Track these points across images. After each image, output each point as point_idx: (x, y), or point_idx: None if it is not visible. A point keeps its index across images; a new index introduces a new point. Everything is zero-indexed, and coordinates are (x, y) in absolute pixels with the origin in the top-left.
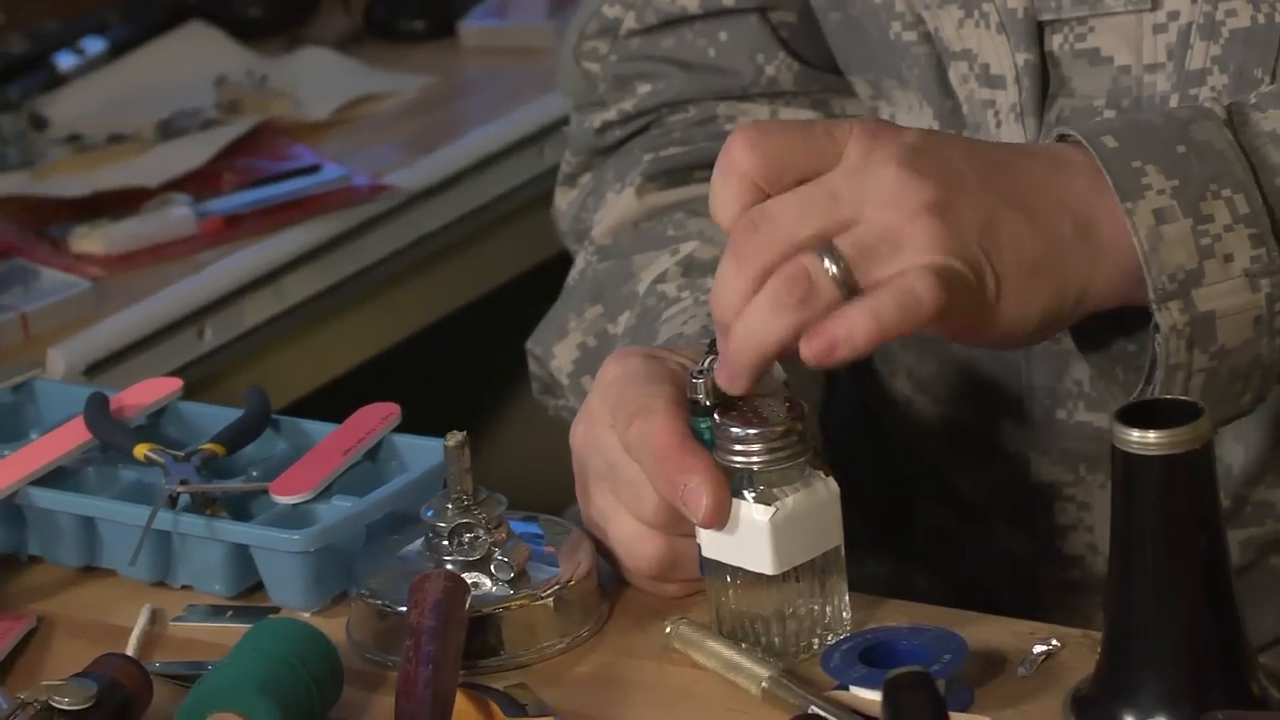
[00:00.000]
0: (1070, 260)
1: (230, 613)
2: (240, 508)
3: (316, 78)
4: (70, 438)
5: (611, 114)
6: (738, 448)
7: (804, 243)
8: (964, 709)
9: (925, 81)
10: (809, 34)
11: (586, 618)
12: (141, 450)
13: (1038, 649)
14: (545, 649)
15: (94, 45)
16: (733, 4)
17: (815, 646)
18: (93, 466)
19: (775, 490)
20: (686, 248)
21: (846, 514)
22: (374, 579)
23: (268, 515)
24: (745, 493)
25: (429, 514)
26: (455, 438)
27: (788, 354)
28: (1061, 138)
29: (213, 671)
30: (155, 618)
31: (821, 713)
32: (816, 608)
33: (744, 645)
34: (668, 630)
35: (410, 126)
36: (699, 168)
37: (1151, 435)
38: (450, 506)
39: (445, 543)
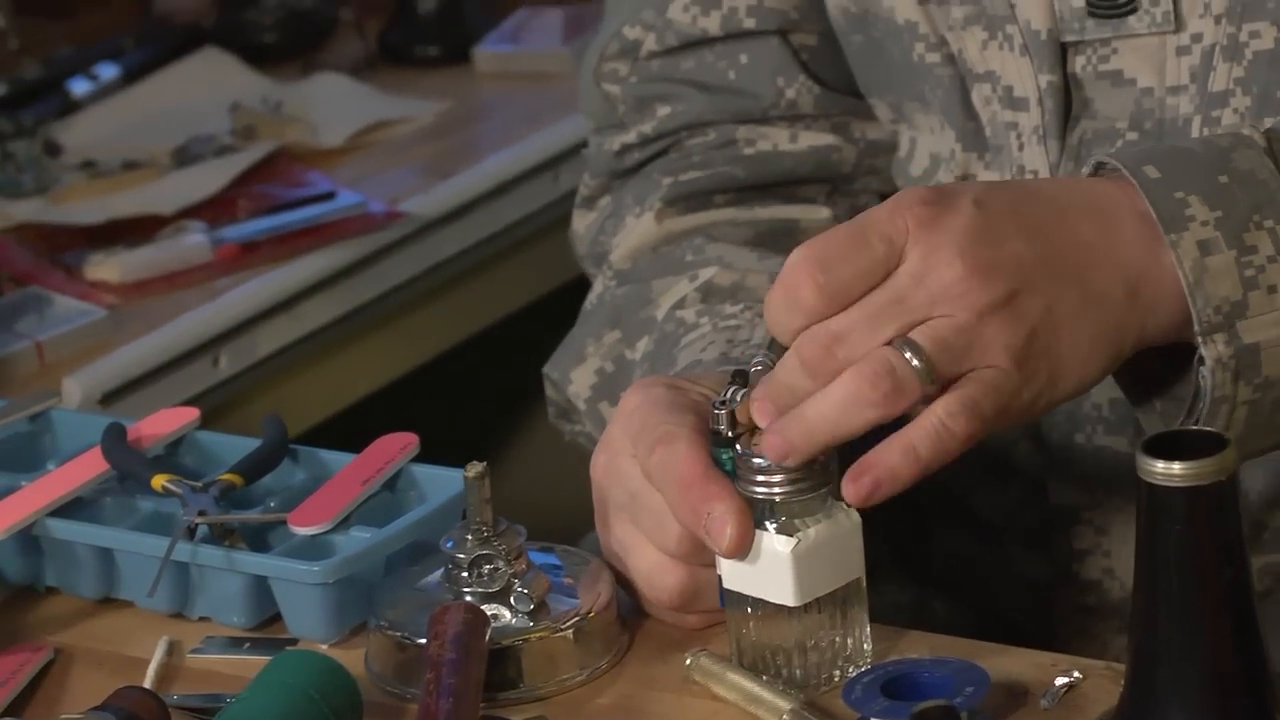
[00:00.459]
0: (1125, 322)
1: (248, 644)
2: (258, 538)
3: (331, 104)
4: (88, 468)
5: (631, 136)
6: (760, 478)
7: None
8: None
9: (948, 103)
10: (830, 56)
11: (606, 649)
12: (159, 481)
13: (1060, 681)
14: (565, 681)
15: (108, 71)
16: (753, 26)
17: (836, 678)
18: (110, 497)
19: (797, 521)
20: (705, 273)
21: (866, 541)
22: (393, 610)
23: (286, 546)
24: (767, 524)
25: (448, 545)
26: (475, 468)
27: None
28: (1099, 165)
29: (232, 705)
30: (173, 649)
31: None
32: (838, 639)
33: (765, 677)
34: (688, 662)
35: (425, 152)
36: (718, 192)
37: (1177, 467)
38: (470, 538)
39: (465, 574)
